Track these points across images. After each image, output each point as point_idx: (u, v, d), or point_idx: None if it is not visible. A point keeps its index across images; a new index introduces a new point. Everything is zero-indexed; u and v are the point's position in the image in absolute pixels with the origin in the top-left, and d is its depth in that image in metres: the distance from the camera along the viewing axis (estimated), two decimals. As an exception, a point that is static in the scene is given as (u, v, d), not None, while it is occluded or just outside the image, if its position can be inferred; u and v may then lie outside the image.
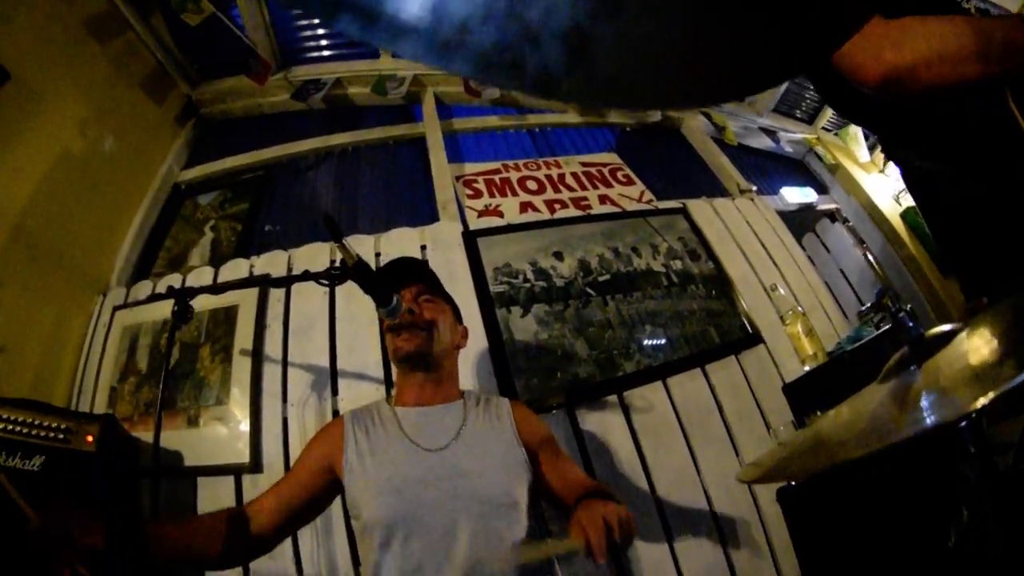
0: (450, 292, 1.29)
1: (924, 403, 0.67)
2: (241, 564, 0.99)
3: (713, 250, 2.23)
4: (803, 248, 2.67)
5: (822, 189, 3.55)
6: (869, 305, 1.03)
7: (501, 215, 2.21)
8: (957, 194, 1.04)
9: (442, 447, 1.07)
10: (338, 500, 1.53)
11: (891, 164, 3.52)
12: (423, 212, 2.26)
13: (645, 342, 1.92)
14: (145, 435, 1.68)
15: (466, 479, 1.02)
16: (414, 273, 1.23)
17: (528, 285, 1.93)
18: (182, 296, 1.28)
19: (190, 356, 1.85)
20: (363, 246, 2.00)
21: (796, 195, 3.12)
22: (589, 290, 1.97)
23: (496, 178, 2.45)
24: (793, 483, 1.61)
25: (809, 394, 1.68)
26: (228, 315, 1.91)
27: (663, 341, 1.94)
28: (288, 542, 1.54)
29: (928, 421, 0.63)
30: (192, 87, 2.86)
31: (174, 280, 2.08)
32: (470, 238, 2.01)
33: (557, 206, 2.30)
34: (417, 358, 1.13)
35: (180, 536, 0.94)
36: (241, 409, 1.72)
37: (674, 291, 2.06)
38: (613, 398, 1.77)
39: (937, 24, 0.80)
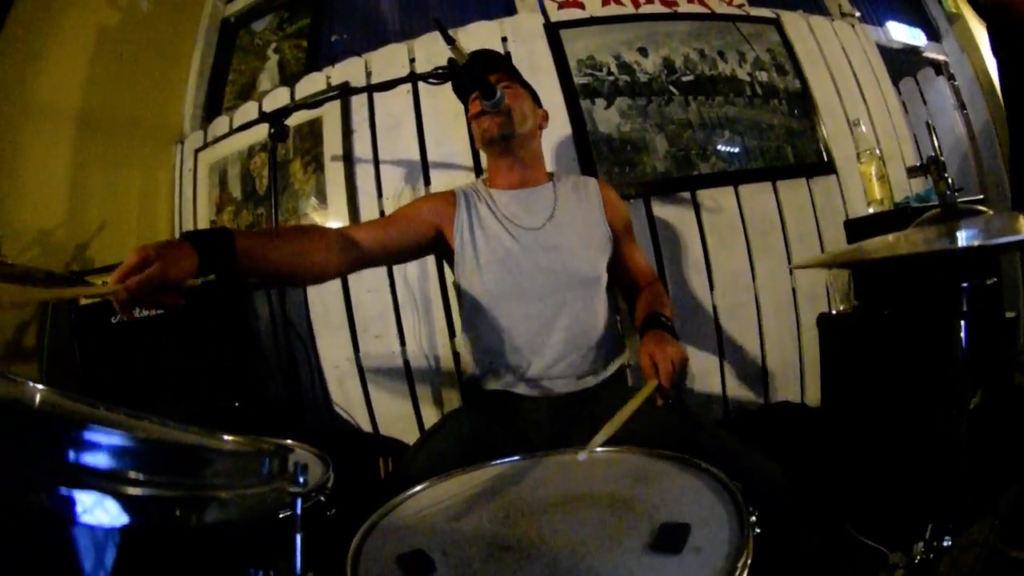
0: (533, 83, 1.31)
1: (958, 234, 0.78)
2: (324, 281, 1.06)
3: (802, 69, 2.09)
4: (898, 91, 2.45)
5: (934, 35, 3.03)
6: (917, 165, 1.07)
7: (582, 7, 2.09)
8: None
9: (539, 226, 1.19)
10: (434, 279, 1.79)
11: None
12: (497, 5, 2.14)
13: (722, 147, 1.95)
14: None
15: (560, 255, 1.16)
16: (492, 62, 1.25)
17: (612, 78, 1.93)
18: (276, 117, 1.31)
19: (282, 174, 2.00)
20: (442, 42, 1.98)
21: (903, 33, 2.71)
22: (672, 88, 1.95)
23: (576, -32, 2.25)
24: (834, 312, 1.74)
25: (867, 234, 1.74)
26: (313, 128, 2.00)
27: (739, 149, 1.96)
28: (391, 319, 1.82)
29: (956, 243, 0.75)
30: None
31: (250, 108, 2.16)
32: (552, 30, 1.97)
33: (642, 0, 2.16)
34: (503, 140, 1.19)
35: (274, 255, 0.91)
36: (339, 209, 1.89)
37: (756, 102, 2.01)
38: (686, 195, 1.87)
39: None
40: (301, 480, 0.51)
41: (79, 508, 0.36)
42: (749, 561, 0.51)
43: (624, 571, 0.52)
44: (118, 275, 0.69)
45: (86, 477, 0.36)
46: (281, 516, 0.52)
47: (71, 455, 0.36)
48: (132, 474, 0.39)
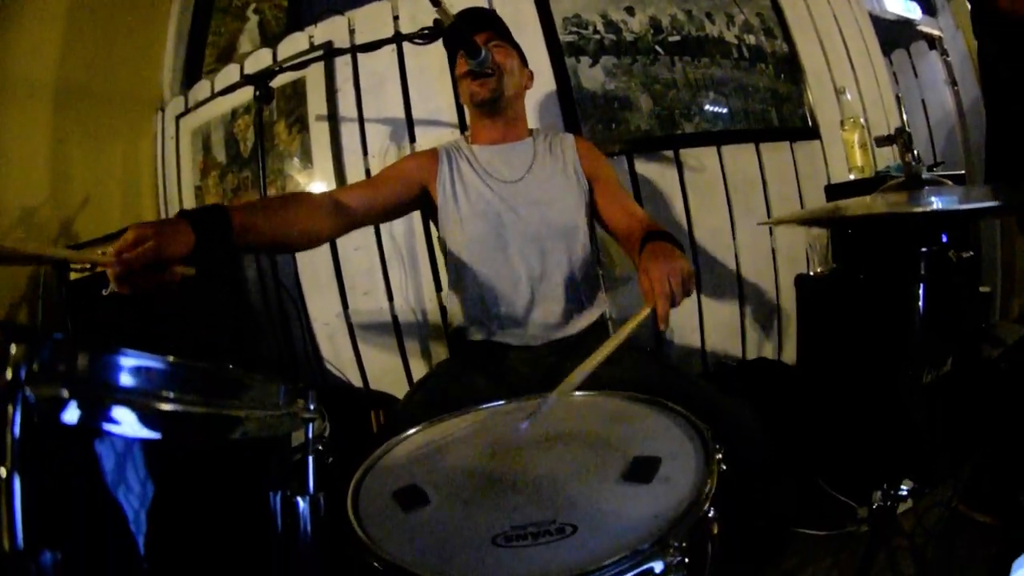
0: (518, 40, 1.31)
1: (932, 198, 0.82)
2: (316, 246, 1.10)
3: (791, 35, 2.08)
4: (890, 61, 2.44)
5: (929, 9, 3.00)
6: (885, 136, 1.10)
7: (569, -37, 2.03)
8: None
9: (517, 179, 1.23)
10: (420, 236, 1.81)
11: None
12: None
13: (706, 107, 1.96)
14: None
15: (538, 207, 1.20)
16: (482, 20, 1.26)
17: (598, 37, 1.91)
18: (261, 79, 1.30)
19: (267, 135, 1.97)
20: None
21: (898, 5, 2.69)
22: (658, 48, 1.95)
23: (559, -78, 2.17)
24: (811, 273, 1.79)
25: (846, 199, 1.78)
26: (296, 88, 1.96)
27: (724, 110, 1.97)
28: (379, 275, 1.84)
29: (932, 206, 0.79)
30: None
31: (231, 71, 2.11)
32: (537, -14, 1.91)
33: (630, -42, 2.10)
34: (492, 102, 1.22)
35: (268, 226, 0.93)
36: (325, 169, 1.89)
37: (743, 65, 2.01)
38: (670, 153, 1.88)
39: None
40: (312, 407, 0.57)
41: (122, 424, 0.40)
42: (712, 490, 0.55)
43: (599, 498, 0.57)
44: (115, 252, 0.71)
45: (127, 395, 0.41)
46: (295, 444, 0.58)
47: (115, 376, 0.41)
48: (168, 393, 0.44)
